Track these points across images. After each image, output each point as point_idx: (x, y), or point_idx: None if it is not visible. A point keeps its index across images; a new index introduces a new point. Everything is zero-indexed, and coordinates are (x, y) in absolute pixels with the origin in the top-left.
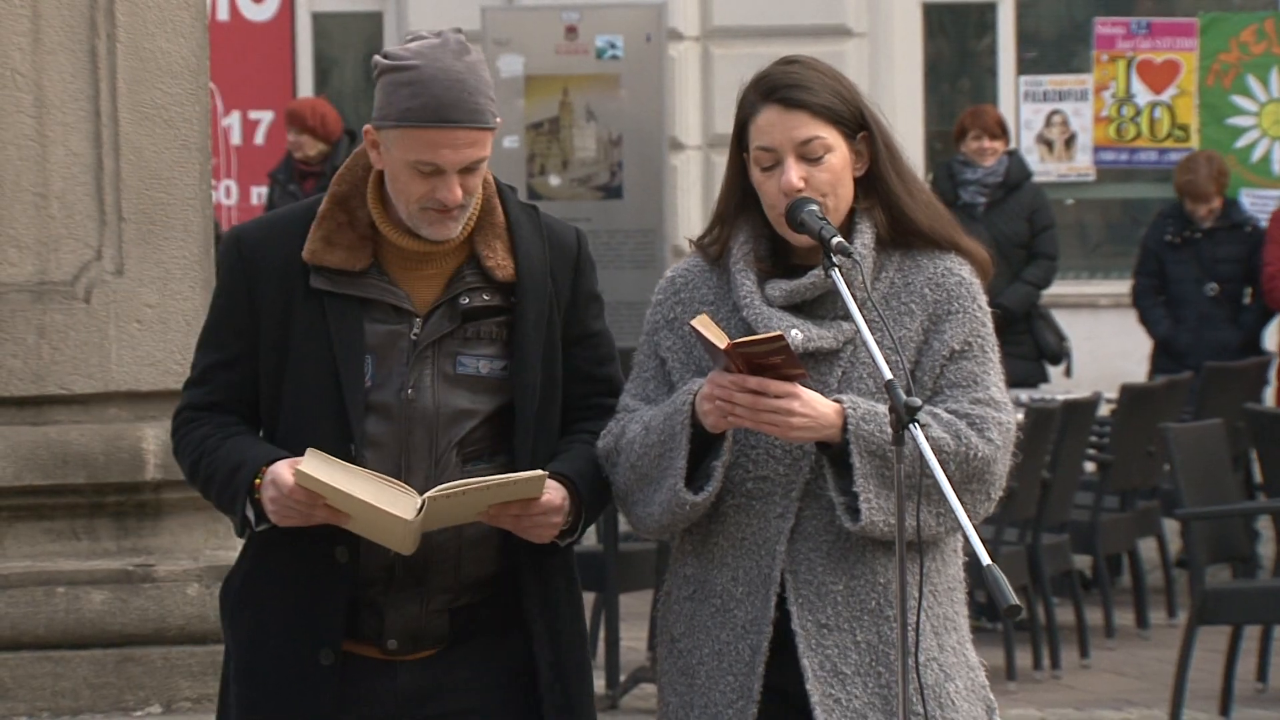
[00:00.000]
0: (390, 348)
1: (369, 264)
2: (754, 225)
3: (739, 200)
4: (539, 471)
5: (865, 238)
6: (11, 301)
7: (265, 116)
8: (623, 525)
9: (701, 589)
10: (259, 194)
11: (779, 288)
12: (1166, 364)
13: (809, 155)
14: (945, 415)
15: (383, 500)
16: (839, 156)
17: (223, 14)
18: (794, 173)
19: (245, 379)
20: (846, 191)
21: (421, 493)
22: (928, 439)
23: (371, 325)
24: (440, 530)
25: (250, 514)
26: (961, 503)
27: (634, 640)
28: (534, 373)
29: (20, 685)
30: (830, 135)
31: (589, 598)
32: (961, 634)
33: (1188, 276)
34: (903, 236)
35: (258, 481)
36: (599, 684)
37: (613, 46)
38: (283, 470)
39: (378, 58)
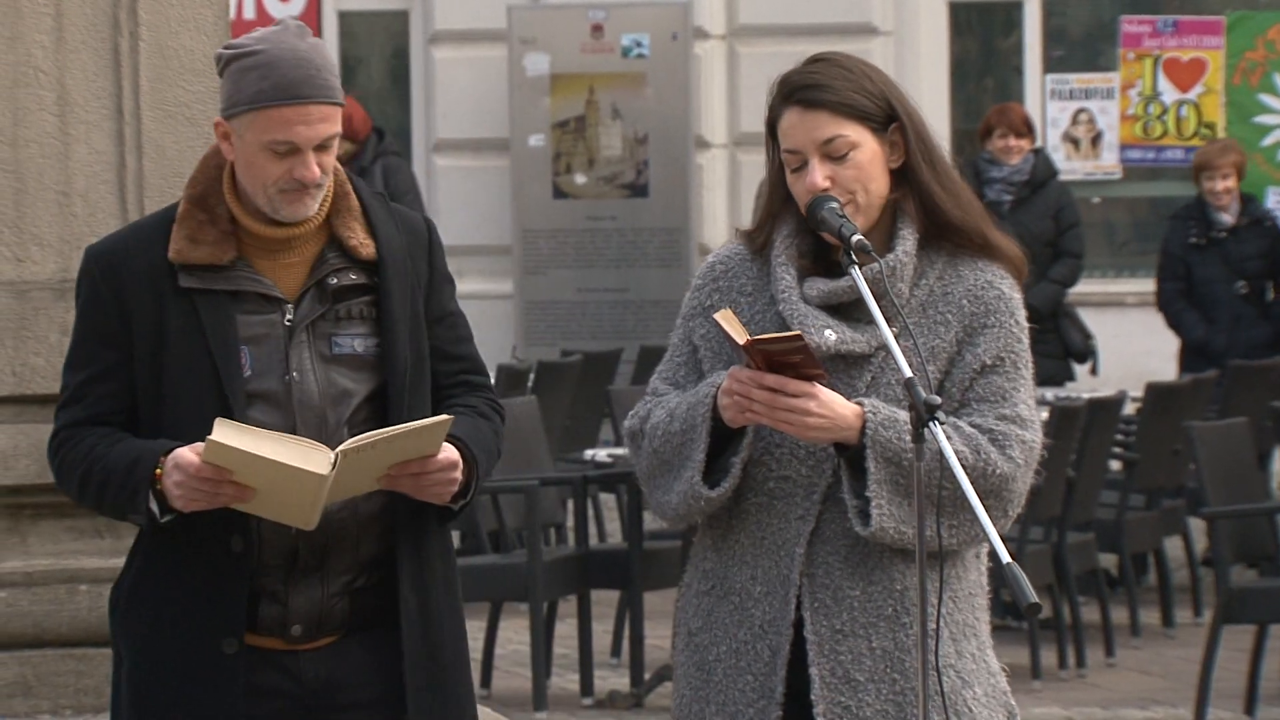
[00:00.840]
0: (265, 336)
1: (235, 257)
2: (798, 219)
3: (783, 195)
4: (445, 416)
5: (907, 244)
6: (34, 299)
7: None
8: (647, 523)
9: (720, 585)
10: None
11: (817, 286)
12: (1198, 364)
13: (833, 154)
14: (967, 429)
15: (296, 459)
16: (866, 152)
17: (249, 12)
18: (818, 174)
19: (121, 389)
20: (878, 186)
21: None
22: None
23: (244, 317)
24: (338, 509)
25: (154, 506)
26: (976, 518)
27: (658, 638)
28: (404, 347)
29: (43, 683)
30: (854, 131)
31: (613, 595)
32: (981, 640)
33: (1217, 277)
34: (935, 228)
35: (158, 472)
36: (624, 682)
37: (638, 45)
38: (185, 452)
39: (220, 51)
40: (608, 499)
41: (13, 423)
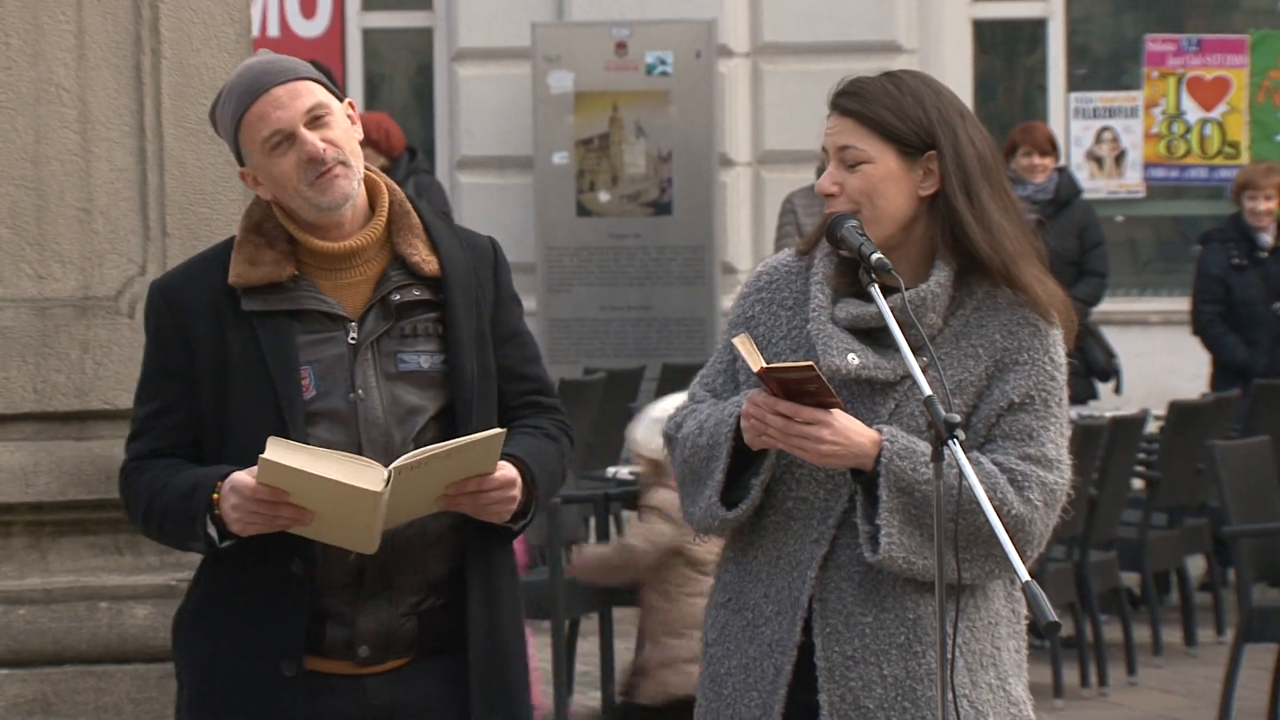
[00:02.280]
0: (329, 355)
1: (294, 274)
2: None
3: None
4: (498, 430)
5: (940, 275)
6: (55, 316)
7: None
8: None
9: (736, 599)
10: None
11: (848, 309)
12: (1231, 385)
13: (845, 161)
14: (988, 465)
15: (349, 476)
16: (880, 169)
17: (273, 29)
18: (828, 177)
19: (185, 421)
20: (889, 205)
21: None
22: (965, 485)
23: (307, 336)
24: (406, 529)
25: (213, 531)
26: (990, 555)
27: None
28: (470, 362)
29: (63, 700)
30: (873, 147)
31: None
32: (1002, 670)
33: (1256, 298)
34: (968, 260)
35: (215, 497)
36: None
37: (663, 63)
38: (240, 475)
39: (210, 119)
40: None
41: (33, 440)
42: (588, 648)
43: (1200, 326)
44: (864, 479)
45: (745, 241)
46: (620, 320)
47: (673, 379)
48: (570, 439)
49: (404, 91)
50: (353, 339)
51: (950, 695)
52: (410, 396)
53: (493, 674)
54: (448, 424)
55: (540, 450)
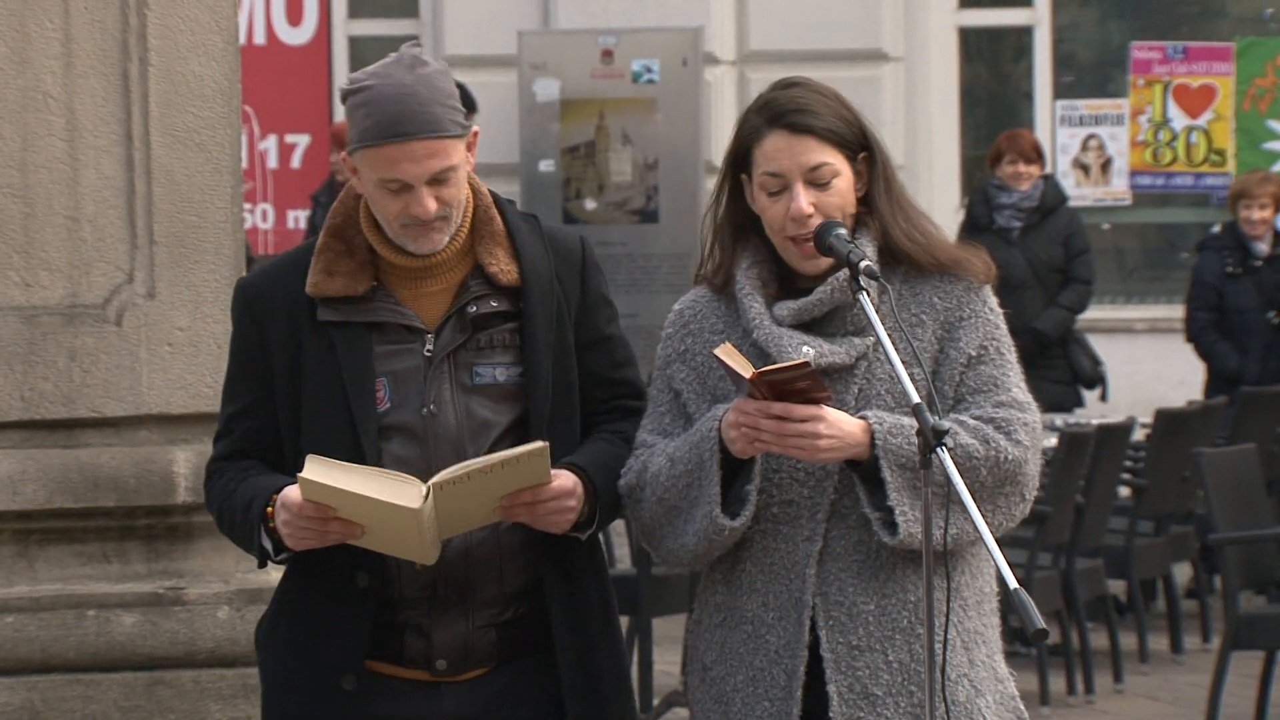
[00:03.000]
0: (406, 368)
1: (371, 286)
2: (755, 250)
3: (738, 225)
4: (540, 443)
5: (868, 250)
6: (43, 324)
7: (302, 140)
8: None
9: (732, 616)
10: (295, 217)
11: (787, 307)
12: (1226, 393)
13: (817, 180)
14: (971, 422)
15: (386, 493)
16: (845, 180)
17: (259, 37)
18: (803, 199)
19: (264, 424)
20: (850, 211)
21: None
22: (957, 447)
23: (383, 347)
24: (479, 541)
25: (268, 544)
26: (996, 507)
27: (667, 664)
28: (546, 375)
29: (50, 708)
30: (836, 160)
31: (622, 621)
32: (991, 647)
33: (1249, 306)
34: (889, 253)
35: (270, 510)
36: None
37: (649, 70)
38: (291, 491)
39: (343, 85)
40: (617, 524)
41: (20, 448)
42: None
43: (1193, 333)
44: (861, 467)
45: None
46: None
47: None
48: None
49: None
50: (428, 351)
51: (941, 678)
52: (484, 410)
53: (585, 684)
54: (522, 437)
55: (610, 457)
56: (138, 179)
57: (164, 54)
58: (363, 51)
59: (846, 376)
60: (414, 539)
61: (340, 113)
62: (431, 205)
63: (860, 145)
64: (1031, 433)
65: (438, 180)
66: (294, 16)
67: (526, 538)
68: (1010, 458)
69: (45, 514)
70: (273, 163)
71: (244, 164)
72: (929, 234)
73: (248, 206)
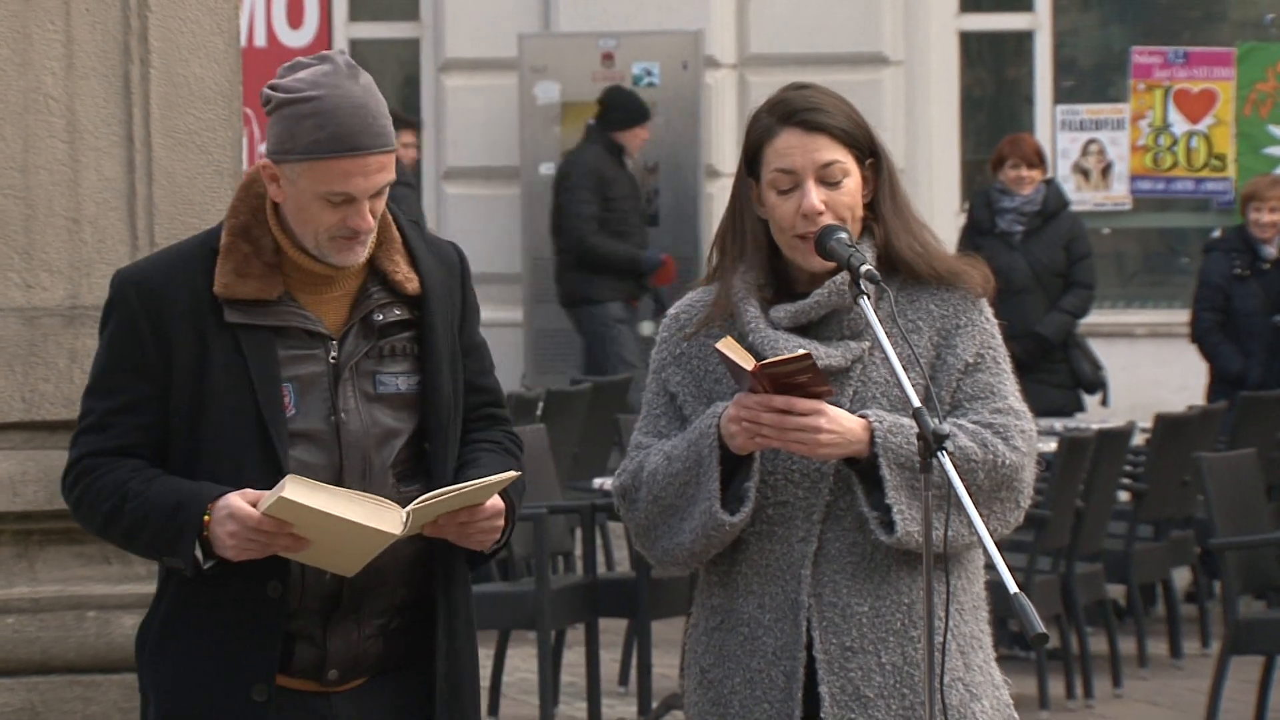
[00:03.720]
0: (310, 374)
1: (282, 293)
2: (752, 256)
3: (743, 227)
4: (514, 473)
5: (868, 255)
6: (43, 326)
7: None
8: None
9: (728, 618)
10: None
11: (784, 310)
12: (1228, 395)
13: (828, 179)
14: (970, 426)
15: (368, 517)
16: (855, 181)
17: (260, 40)
18: (814, 195)
19: (152, 422)
20: (859, 213)
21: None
22: (956, 449)
23: (287, 353)
24: (380, 553)
25: (198, 553)
26: (992, 512)
27: (665, 667)
28: (447, 385)
29: (50, 709)
30: (847, 159)
31: (621, 624)
32: (987, 652)
33: (1256, 309)
34: (889, 260)
35: (206, 519)
36: (631, 711)
37: (649, 74)
38: (239, 503)
39: (268, 91)
40: (616, 527)
41: (21, 449)
42: (573, 658)
43: (1198, 335)
44: (859, 466)
45: None
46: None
47: None
48: (521, 451)
49: (390, 101)
50: (333, 358)
51: (937, 681)
52: (387, 419)
53: (451, 694)
54: (419, 445)
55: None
56: (138, 181)
57: (165, 56)
58: (363, 54)
59: (842, 379)
60: (360, 556)
61: None
62: (370, 219)
63: (869, 149)
64: (1028, 440)
65: (378, 194)
66: (295, 19)
67: (419, 550)
68: (1008, 462)
69: (46, 515)
70: None
71: (244, 166)
72: (929, 245)
73: None
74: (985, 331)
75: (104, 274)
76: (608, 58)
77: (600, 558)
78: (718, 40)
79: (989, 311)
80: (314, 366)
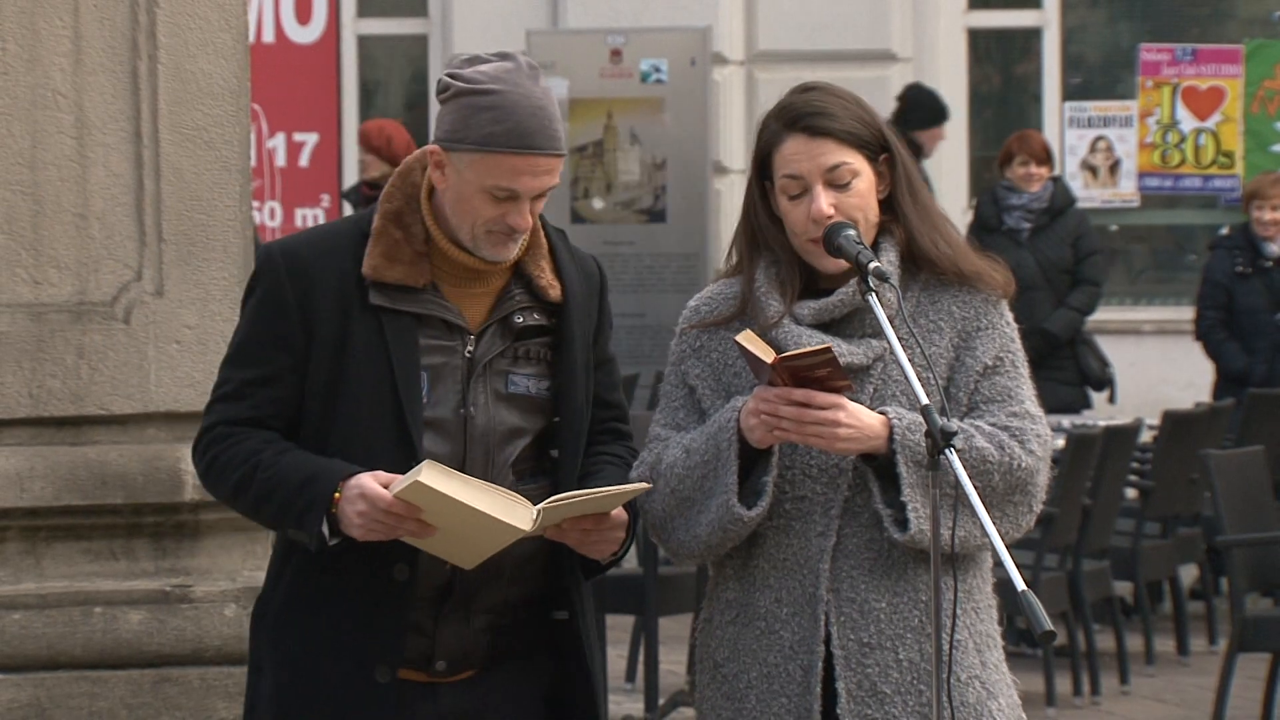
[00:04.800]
0: (444, 365)
1: (428, 281)
2: (777, 251)
3: (760, 228)
4: (644, 484)
5: (890, 255)
6: (51, 322)
7: (310, 139)
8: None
9: (744, 613)
10: (303, 215)
11: (807, 307)
12: (1234, 394)
13: (836, 181)
14: (987, 427)
15: (500, 511)
16: (865, 181)
17: (268, 36)
18: (823, 200)
19: (288, 395)
20: (874, 215)
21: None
22: (972, 450)
23: (426, 342)
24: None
25: (324, 528)
26: (1005, 515)
27: (673, 664)
28: (581, 393)
29: (57, 705)
30: (856, 160)
31: (628, 620)
32: (999, 651)
33: (1259, 306)
34: (912, 258)
35: (336, 495)
36: (638, 707)
37: (657, 70)
38: (371, 483)
39: (448, 79)
40: None
41: (29, 445)
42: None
43: (1201, 332)
44: (876, 462)
45: None
46: (614, 327)
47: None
48: None
49: (399, 98)
50: (469, 352)
51: (945, 677)
52: (514, 418)
53: (567, 688)
54: (541, 448)
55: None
56: (146, 177)
57: (173, 52)
58: (371, 50)
59: (862, 378)
60: (483, 549)
61: (347, 111)
62: (529, 219)
63: (880, 147)
64: (1043, 445)
65: (539, 196)
66: (303, 15)
67: (534, 550)
68: (1024, 465)
69: (53, 511)
70: (281, 161)
71: (252, 162)
72: (954, 242)
73: (255, 204)
74: (1005, 335)
75: (111, 270)
76: (616, 54)
77: None
78: (726, 37)
79: (1009, 316)
80: (449, 358)
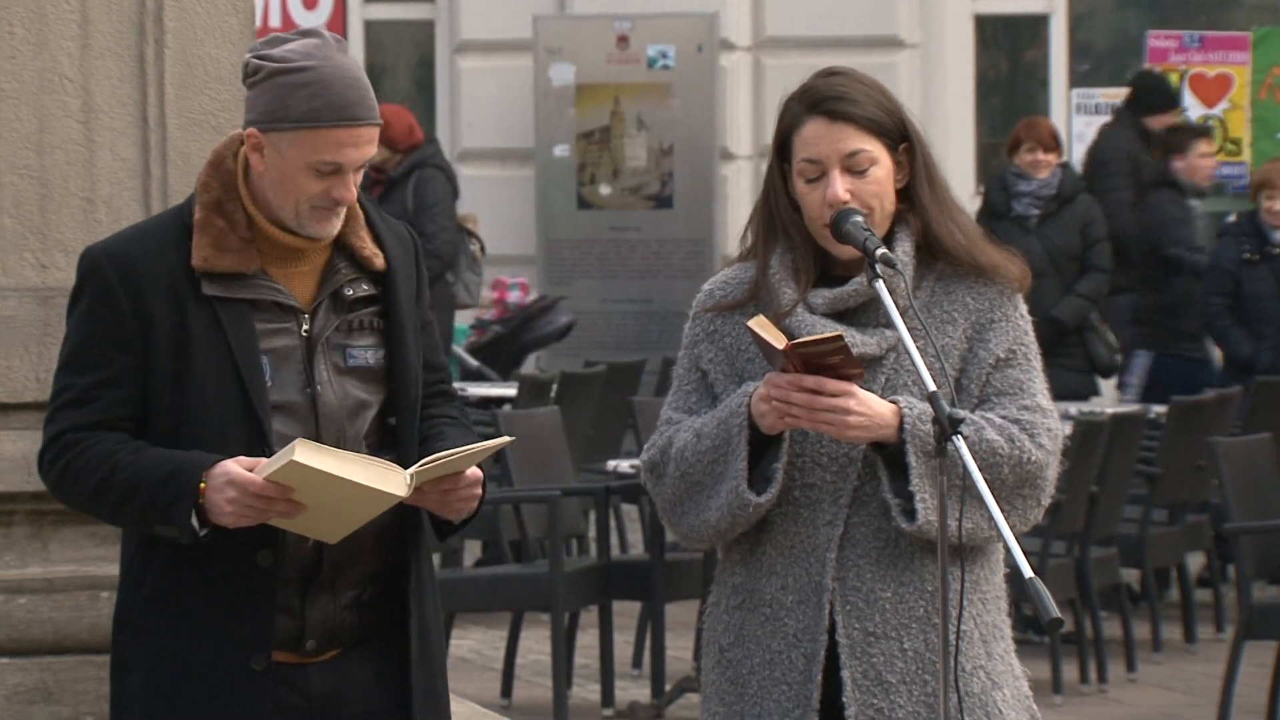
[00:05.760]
0: (284, 347)
1: (258, 267)
2: (792, 237)
3: (778, 211)
4: (508, 439)
5: (905, 245)
6: (58, 306)
7: None
8: (669, 535)
9: (750, 598)
10: None
11: (822, 295)
12: (1239, 381)
13: (854, 168)
14: (998, 420)
15: (375, 480)
16: (883, 169)
17: (275, 20)
18: (839, 185)
19: (133, 395)
20: (890, 203)
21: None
22: (982, 442)
23: (262, 326)
24: None
25: (194, 520)
26: (1013, 508)
27: (679, 650)
28: (414, 359)
29: (64, 689)
30: (875, 148)
31: (634, 606)
32: (1007, 642)
33: (1266, 293)
34: (929, 248)
35: (202, 486)
36: (644, 693)
37: (664, 56)
38: (237, 469)
39: (257, 62)
40: (630, 510)
41: (36, 429)
42: (587, 640)
43: (1208, 319)
44: (885, 451)
45: None
46: (620, 313)
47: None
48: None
49: (405, 83)
50: (306, 331)
51: (953, 665)
52: (358, 391)
53: (424, 664)
54: (383, 418)
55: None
56: (153, 161)
57: (180, 36)
58: (378, 35)
59: (875, 367)
60: (353, 522)
61: None
62: (354, 191)
63: (901, 135)
64: (1054, 439)
65: (359, 167)
66: (310, 0)
67: (391, 519)
68: (1033, 459)
69: None
70: None
71: None
72: (971, 234)
73: None
74: (1019, 328)
75: None
76: (623, 40)
77: (614, 540)
78: (733, 22)
79: (1024, 309)
80: (287, 340)
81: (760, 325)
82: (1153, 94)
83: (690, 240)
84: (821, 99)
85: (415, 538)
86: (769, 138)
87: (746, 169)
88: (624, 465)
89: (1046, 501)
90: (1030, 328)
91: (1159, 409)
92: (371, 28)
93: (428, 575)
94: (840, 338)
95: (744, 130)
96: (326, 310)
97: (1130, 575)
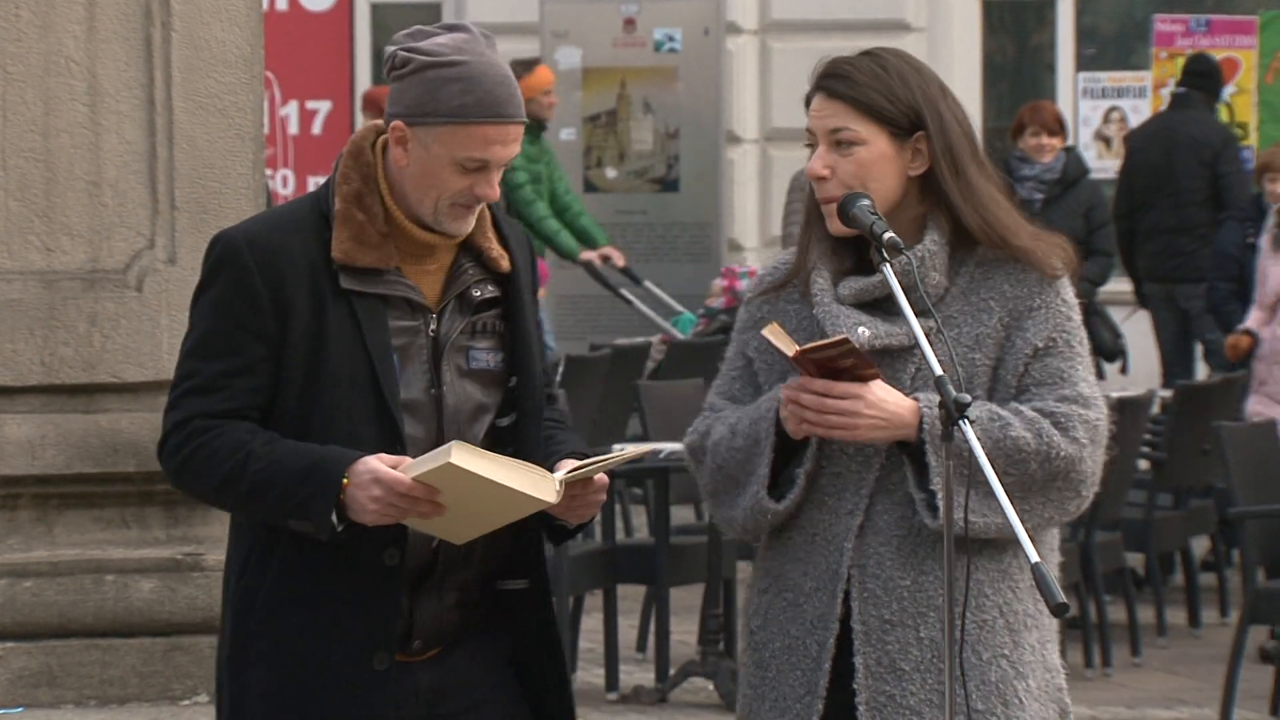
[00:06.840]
0: (410, 345)
1: (395, 263)
2: (826, 224)
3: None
4: (651, 446)
5: (935, 234)
6: (64, 289)
7: (323, 106)
8: (674, 518)
9: (776, 582)
10: (316, 183)
11: (850, 285)
12: (1245, 365)
13: (838, 144)
14: (1029, 413)
15: (528, 486)
16: (872, 151)
17: (281, 3)
18: (819, 160)
19: (264, 385)
20: (882, 187)
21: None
22: (1006, 439)
23: (393, 323)
24: None
25: (333, 517)
26: (1048, 500)
27: (683, 634)
28: (538, 364)
29: (68, 673)
30: (865, 129)
31: (639, 590)
32: (1044, 633)
33: None
34: (960, 235)
35: (345, 482)
36: (649, 677)
37: (671, 39)
38: (382, 467)
39: (402, 52)
40: (635, 494)
41: (41, 412)
42: (591, 624)
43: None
44: (909, 448)
45: (752, 219)
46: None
47: (678, 356)
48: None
49: None
50: (433, 331)
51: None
52: (478, 394)
53: (534, 657)
54: (504, 421)
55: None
56: (159, 144)
57: (187, 19)
58: (384, 19)
59: (905, 357)
60: (486, 525)
61: (360, 79)
62: (497, 189)
63: (911, 125)
64: (1091, 429)
65: (503, 166)
66: None
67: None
68: (1063, 454)
69: (65, 479)
70: (294, 129)
71: (265, 130)
72: (1001, 219)
73: (268, 172)
74: (1060, 314)
75: (124, 238)
76: (629, 23)
77: (619, 524)
78: (739, 6)
79: (1068, 294)
80: (415, 338)
81: (773, 333)
82: (1209, 76)
83: (696, 224)
84: (824, 75)
85: (530, 539)
86: (775, 121)
87: (753, 153)
88: (629, 448)
89: (1088, 493)
90: (1075, 314)
91: (1164, 393)
92: (378, 11)
93: (540, 572)
94: (846, 341)
95: (750, 114)
96: (453, 311)
97: (1135, 560)
